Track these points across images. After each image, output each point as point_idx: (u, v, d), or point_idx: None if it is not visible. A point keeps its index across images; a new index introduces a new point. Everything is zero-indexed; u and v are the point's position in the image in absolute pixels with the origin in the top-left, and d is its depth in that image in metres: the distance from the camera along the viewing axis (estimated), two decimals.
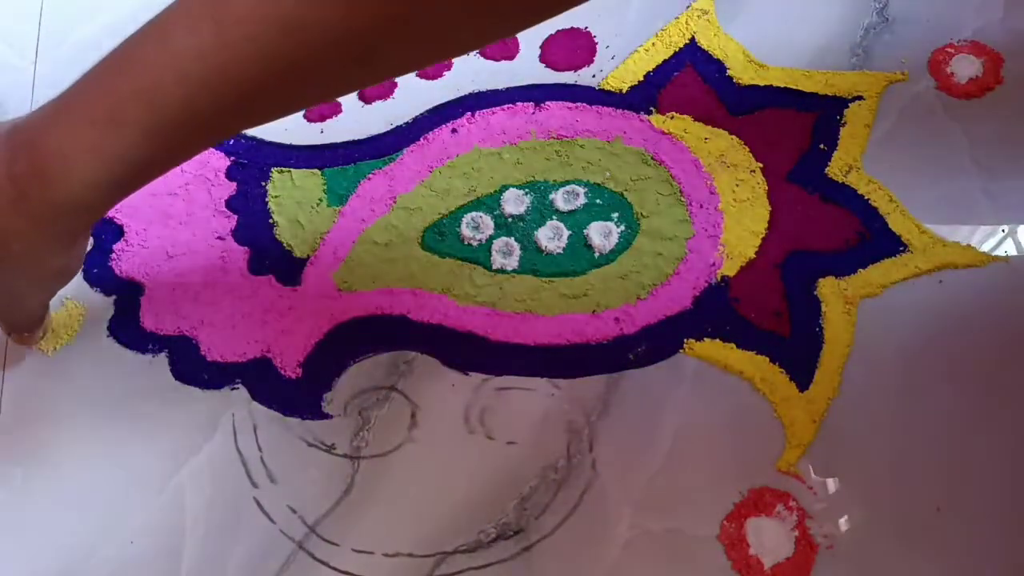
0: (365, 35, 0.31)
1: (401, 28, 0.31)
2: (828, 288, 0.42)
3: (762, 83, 0.48)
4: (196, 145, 0.35)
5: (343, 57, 0.32)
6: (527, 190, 0.46)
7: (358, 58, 0.32)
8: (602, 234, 0.44)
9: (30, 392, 0.43)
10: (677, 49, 0.50)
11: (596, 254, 0.44)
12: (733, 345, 0.41)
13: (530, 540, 0.38)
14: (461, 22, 0.31)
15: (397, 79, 0.51)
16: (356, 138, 0.49)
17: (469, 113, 0.49)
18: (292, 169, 0.48)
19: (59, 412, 0.43)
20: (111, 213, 0.47)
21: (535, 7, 0.32)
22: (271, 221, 0.46)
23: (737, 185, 0.45)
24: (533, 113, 0.48)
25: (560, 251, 0.44)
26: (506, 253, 0.44)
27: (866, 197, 0.44)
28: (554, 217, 0.45)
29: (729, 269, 0.43)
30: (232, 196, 0.47)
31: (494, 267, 0.44)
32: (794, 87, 0.48)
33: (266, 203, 0.47)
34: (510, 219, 0.45)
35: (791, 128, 0.47)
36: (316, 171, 0.48)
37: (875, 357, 0.41)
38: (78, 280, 0.46)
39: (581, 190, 0.45)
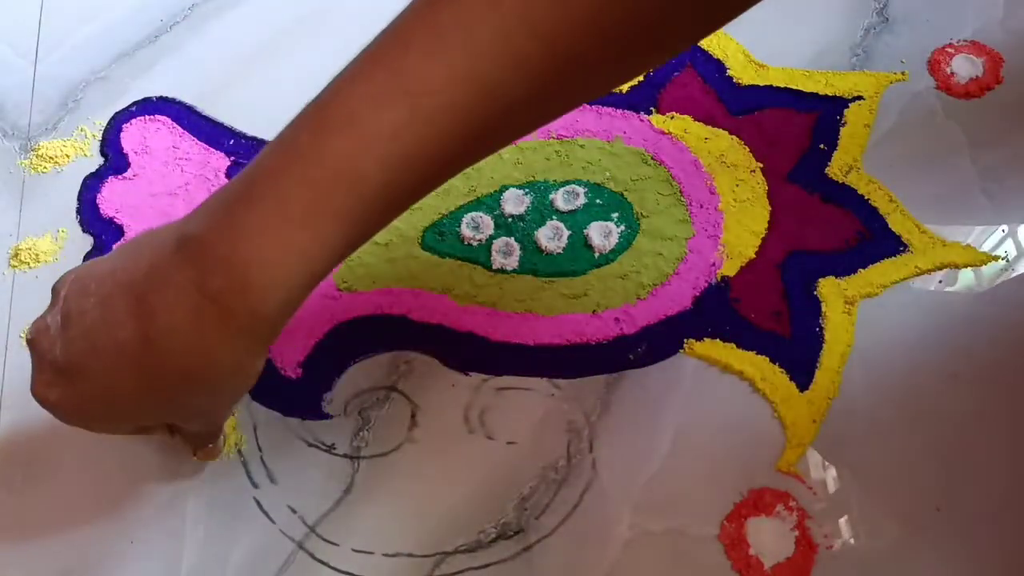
0: (559, 93, 0.30)
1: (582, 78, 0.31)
2: (828, 288, 0.42)
3: (762, 83, 0.48)
4: (392, 218, 0.32)
5: (538, 116, 0.31)
6: (527, 190, 0.46)
7: (544, 114, 0.32)
8: (602, 234, 0.44)
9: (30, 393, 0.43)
10: None
11: (596, 254, 0.44)
12: (733, 345, 0.41)
13: (530, 540, 0.38)
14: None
15: None
16: None
17: None
18: None
19: None
20: (111, 213, 0.47)
21: None
22: None
23: (737, 185, 0.45)
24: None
25: (560, 251, 0.44)
26: (506, 253, 0.44)
27: (866, 197, 0.44)
28: (554, 217, 0.45)
29: (729, 269, 0.43)
30: None
31: (494, 267, 0.44)
32: (794, 87, 0.48)
33: None
34: (510, 219, 0.45)
35: (791, 128, 0.47)
36: None
37: (875, 357, 0.41)
38: None
39: (581, 190, 0.45)
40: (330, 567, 0.38)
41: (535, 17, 0.28)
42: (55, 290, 0.34)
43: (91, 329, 0.32)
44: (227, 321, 0.30)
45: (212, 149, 0.49)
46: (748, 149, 0.46)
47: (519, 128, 0.32)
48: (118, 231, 0.47)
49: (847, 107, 0.47)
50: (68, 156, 0.50)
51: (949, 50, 0.48)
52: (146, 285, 0.31)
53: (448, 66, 0.28)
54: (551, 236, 0.44)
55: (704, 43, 0.50)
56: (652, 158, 0.46)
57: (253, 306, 0.30)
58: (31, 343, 0.34)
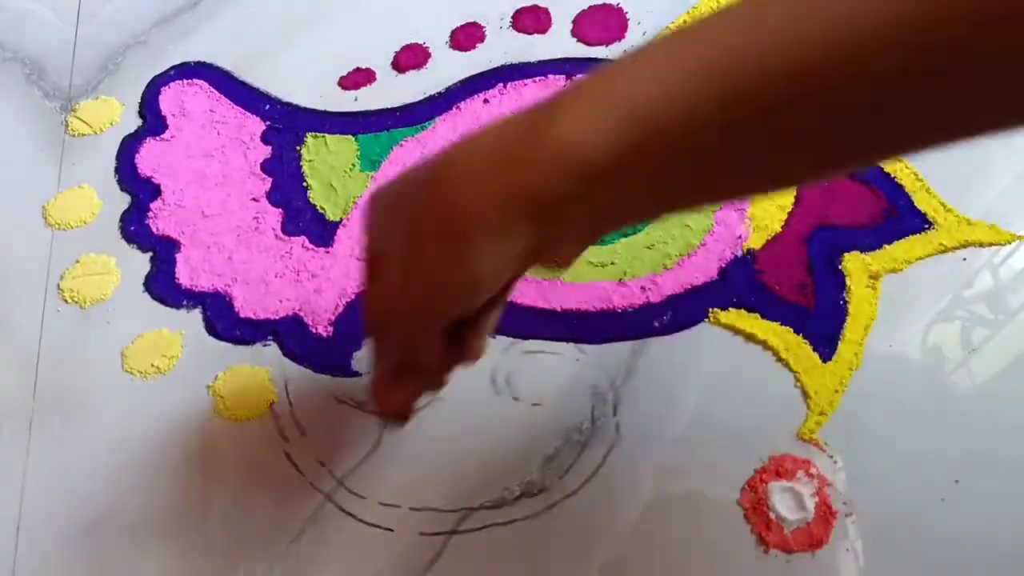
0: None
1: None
2: (853, 262, 0.43)
3: None
4: (674, 159, 0.27)
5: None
6: None
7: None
8: None
9: (68, 342, 0.45)
10: None
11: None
12: (758, 315, 0.42)
13: (553, 499, 0.39)
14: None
15: (430, 50, 0.52)
16: (390, 106, 0.50)
17: (501, 85, 0.49)
18: (326, 135, 0.49)
19: (96, 362, 0.44)
20: (149, 173, 0.48)
21: None
22: (305, 184, 0.47)
23: None
24: (564, 86, 0.49)
25: None
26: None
27: (892, 175, 0.45)
28: None
29: (755, 242, 0.44)
30: (267, 159, 0.48)
31: None
32: None
33: (300, 167, 0.48)
34: None
35: None
36: (350, 137, 0.49)
37: (898, 331, 0.41)
38: (115, 236, 0.47)
39: None
40: (357, 519, 0.39)
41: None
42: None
43: (430, 155, 0.31)
44: (504, 173, 0.28)
45: (248, 113, 0.50)
46: None
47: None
48: (155, 190, 0.48)
49: None
50: (107, 117, 0.51)
51: None
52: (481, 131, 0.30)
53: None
54: None
55: None
56: None
57: (538, 177, 0.28)
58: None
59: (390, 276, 0.32)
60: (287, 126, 0.49)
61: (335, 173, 0.48)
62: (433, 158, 0.30)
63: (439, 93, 0.50)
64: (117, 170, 0.49)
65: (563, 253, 0.31)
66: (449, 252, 0.30)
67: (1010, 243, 0.43)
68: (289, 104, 0.50)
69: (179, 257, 0.46)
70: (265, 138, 0.49)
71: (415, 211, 0.30)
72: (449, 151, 0.30)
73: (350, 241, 0.45)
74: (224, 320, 0.44)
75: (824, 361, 0.40)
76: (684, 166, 0.27)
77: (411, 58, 0.51)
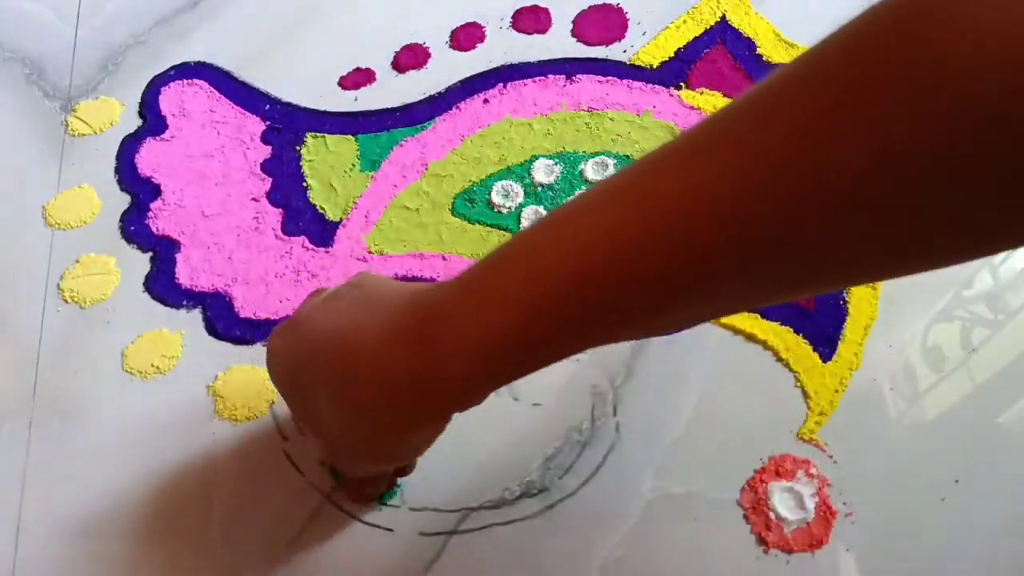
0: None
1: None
2: None
3: None
4: (577, 339, 0.29)
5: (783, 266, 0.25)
6: (557, 160, 0.46)
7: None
8: None
9: (68, 342, 0.44)
10: (708, 27, 0.50)
11: None
12: (758, 315, 0.42)
13: (553, 499, 0.39)
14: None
15: (430, 50, 0.52)
16: (390, 106, 0.50)
17: (501, 84, 0.49)
18: (326, 135, 0.49)
19: (96, 362, 0.44)
20: (149, 173, 0.48)
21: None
22: (305, 184, 0.47)
23: None
24: (564, 86, 0.49)
25: None
26: (536, 221, 0.45)
27: None
28: (583, 187, 0.46)
29: None
30: (267, 159, 0.48)
31: None
32: None
33: (300, 167, 0.48)
34: (540, 188, 0.46)
35: None
36: (350, 137, 0.49)
37: (898, 331, 0.41)
38: (115, 236, 0.47)
39: (611, 161, 0.46)
40: (357, 519, 0.39)
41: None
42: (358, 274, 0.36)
43: (334, 310, 0.33)
44: (386, 362, 0.30)
45: (248, 113, 0.50)
46: None
47: (733, 283, 0.26)
48: (155, 190, 0.48)
49: None
50: (107, 117, 0.51)
51: None
52: (382, 304, 0.31)
53: (689, 176, 0.25)
54: None
55: (735, 21, 0.50)
56: (681, 132, 0.47)
57: (416, 366, 0.30)
58: (307, 297, 0.36)
59: (337, 452, 0.36)
60: (287, 126, 0.49)
61: (335, 173, 0.48)
62: (343, 329, 0.32)
63: (439, 93, 0.50)
64: (117, 170, 0.49)
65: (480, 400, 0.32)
66: (366, 437, 0.33)
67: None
68: (289, 104, 0.50)
69: (179, 257, 0.46)
70: (265, 138, 0.49)
71: (315, 385, 0.32)
72: (357, 330, 0.31)
73: (350, 241, 0.45)
74: (224, 320, 0.44)
75: (824, 361, 0.40)
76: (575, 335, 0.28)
77: (411, 58, 0.51)
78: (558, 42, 0.51)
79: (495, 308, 0.28)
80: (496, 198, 0.46)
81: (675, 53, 0.50)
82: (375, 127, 0.49)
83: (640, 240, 0.26)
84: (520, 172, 0.46)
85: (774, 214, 0.24)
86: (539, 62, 0.50)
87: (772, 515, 0.38)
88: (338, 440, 0.34)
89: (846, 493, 0.38)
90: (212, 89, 0.51)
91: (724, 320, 0.42)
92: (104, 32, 0.54)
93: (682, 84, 0.48)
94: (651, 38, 0.50)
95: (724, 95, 0.48)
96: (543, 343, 0.29)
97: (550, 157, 0.47)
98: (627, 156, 0.46)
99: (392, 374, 0.30)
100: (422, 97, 0.50)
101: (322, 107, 0.50)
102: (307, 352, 0.32)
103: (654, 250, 0.25)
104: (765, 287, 0.26)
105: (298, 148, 0.49)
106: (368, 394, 0.31)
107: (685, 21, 0.51)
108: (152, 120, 0.50)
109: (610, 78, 0.49)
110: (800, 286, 0.27)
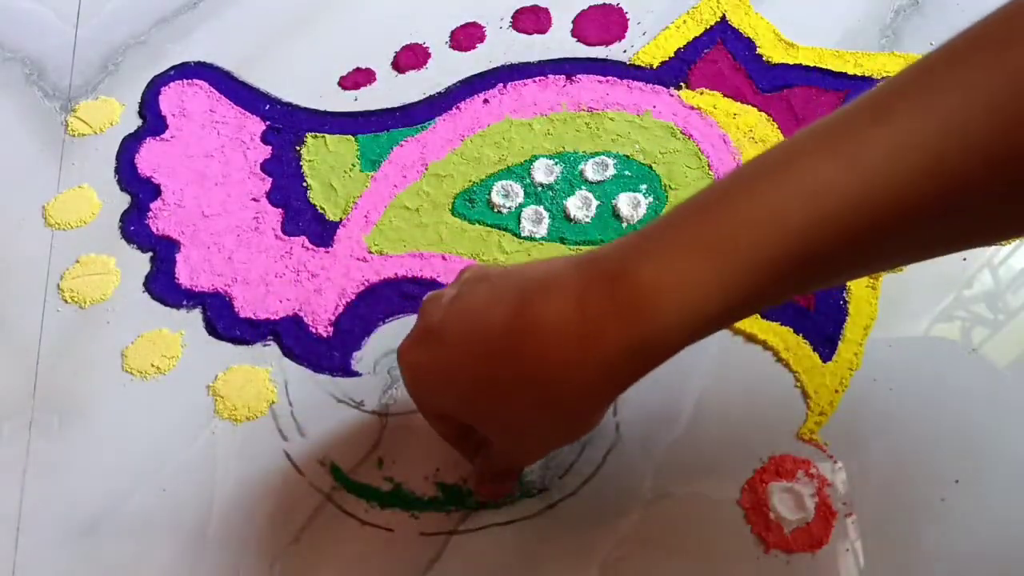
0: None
1: None
2: None
3: (791, 62, 0.49)
4: (788, 289, 0.28)
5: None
6: (557, 160, 0.46)
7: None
8: (630, 204, 0.45)
9: (68, 342, 0.45)
10: (708, 27, 0.50)
11: (624, 224, 0.44)
12: (758, 315, 0.42)
13: (553, 499, 0.39)
14: None
15: (430, 50, 0.52)
16: (389, 106, 0.50)
17: (501, 84, 0.49)
18: (326, 135, 0.49)
19: (96, 362, 0.44)
20: (148, 173, 0.48)
21: None
22: (305, 184, 0.47)
23: None
24: (564, 86, 0.49)
25: (589, 220, 0.45)
26: (536, 221, 0.45)
27: None
28: (583, 187, 0.46)
29: None
30: (267, 159, 0.48)
31: (523, 234, 0.45)
32: (823, 67, 0.48)
33: (300, 167, 0.48)
34: (540, 188, 0.46)
35: (819, 107, 0.47)
36: (350, 137, 0.49)
37: (898, 331, 0.41)
38: (115, 236, 0.47)
39: (611, 161, 0.46)
40: (357, 519, 0.39)
41: (996, 105, 0.25)
42: (460, 272, 0.35)
43: (471, 307, 0.31)
44: (588, 343, 0.28)
45: (248, 113, 0.50)
46: (776, 126, 0.47)
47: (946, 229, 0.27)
48: (155, 190, 0.48)
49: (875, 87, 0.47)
50: (107, 117, 0.51)
51: None
52: (534, 284, 0.30)
53: (907, 132, 0.26)
54: (580, 206, 0.45)
55: (735, 21, 0.50)
56: (681, 132, 0.47)
57: (626, 333, 0.28)
58: (422, 308, 0.34)
59: (506, 442, 0.34)
60: (287, 126, 0.49)
61: (335, 173, 0.48)
62: (509, 322, 0.30)
63: (439, 93, 0.50)
64: (117, 170, 0.49)
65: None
66: (566, 425, 0.32)
67: (1010, 243, 0.43)
68: (289, 104, 0.50)
69: (179, 257, 0.46)
70: (265, 138, 0.49)
71: (513, 392, 0.30)
72: (527, 318, 0.29)
73: (350, 241, 0.45)
74: (224, 320, 0.44)
75: (824, 361, 0.40)
76: (791, 290, 0.29)
77: (411, 58, 0.51)
78: (558, 42, 0.51)
79: (717, 254, 0.27)
80: (496, 198, 0.46)
81: (675, 53, 0.50)
82: (375, 127, 0.49)
83: (857, 202, 0.26)
84: (520, 172, 0.46)
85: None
86: (539, 62, 0.50)
87: (772, 515, 0.38)
88: (532, 432, 0.32)
89: (846, 493, 0.38)
90: (212, 89, 0.51)
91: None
92: (104, 32, 0.54)
93: (682, 84, 0.48)
94: (651, 38, 0.50)
95: (724, 95, 0.48)
96: (774, 284, 0.27)
97: (550, 157, 0.47)
98: (627, 156, 0.46)
99: (603, 350, 0.28)
100: (422, 97, 0.50)
101: (322, 107, 0.50)
102: (482, 357, 0.30)
103: (882, 204, 0.26)
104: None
105: (298, 148, 0.49)
106: (582, 378, 0.29)
107: (685, 21, 0.51)
108: (152, 120, 0.50)
109: (610, 78, 0.49)
110: None
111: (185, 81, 0.51)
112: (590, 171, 0.46)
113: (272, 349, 0.43)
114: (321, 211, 0.46)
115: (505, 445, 0.34)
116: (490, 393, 0.31)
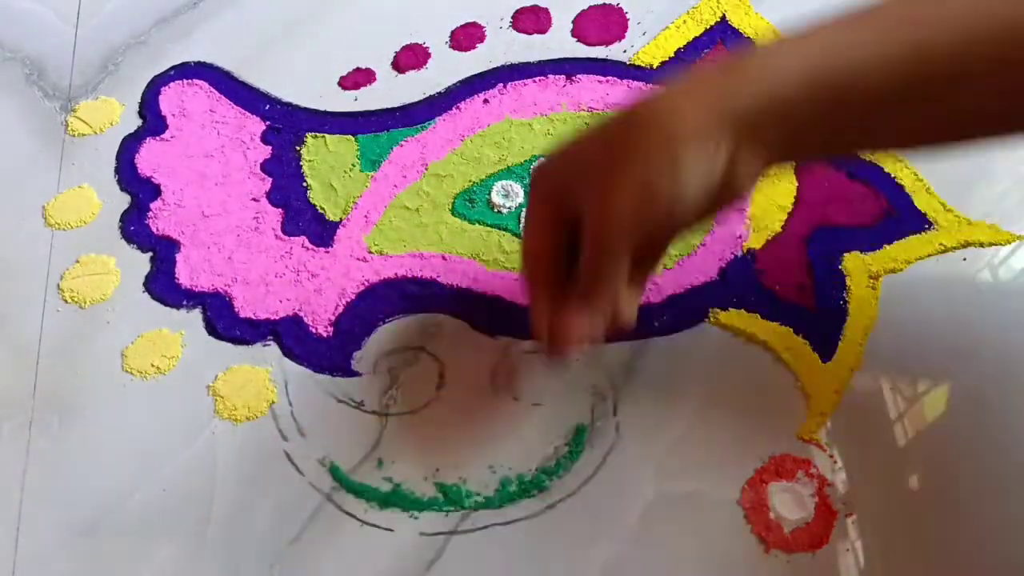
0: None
1: None
2: (853, 263, 0.43)
3: None
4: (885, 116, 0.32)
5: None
6: None
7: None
8: None
9: (68, 342, 0.44)
10: (708, 27, 0.50)
11: None
12: (758, 315, 0.42)
13: (553, 499, 0.39)
14: None
15: (430, 50, 0.52)
16: (390, 106, 0.50)
17: (501, 84, 0.49)
18: (326, 135, 0.49)
19: (96, 362, 0.44)
20: (149, 173, 0.48)
21: None
22: (305, 184, 0.47)
23: None
24: (564, 86, 0.49)
25: None
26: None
27: (892, 175, 0.45)
28: None
29: (755, 242, 0.44)
30: (267, 159, 0.48)
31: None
32: None
33: (300, 167, 0.48)
34: None
35: None
36: (350, 137, 0.49)
37: (898, 331, 0.41)
38: (115, 236, 0.47)
39: None
40: (357, 519, 0.39)
41: None
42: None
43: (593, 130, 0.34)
44: (710, 93, 0.32)
45: (248, 113, 0.50)
46: None
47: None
48: (155, 190, 0.48)
49: None
50: (107, 117, 0.51)
51: None
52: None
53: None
54: None
55: (735, 22, 0.50)
56: None
57: (741, 79, 0.32)
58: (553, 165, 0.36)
59: (595, 193, 0.33)
60: (287, 126, 0.49)
61: (335, 173, 0.48)
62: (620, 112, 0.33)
63: (439, 93, 0.50)
64: (117, 170, 0.49)
65: (744, 184, 0.33)
66: (660, 156, 0.31)
67: (1010, 243, 0.43)
68: (289, 104, 0.50)
69: (179, 257, 0.46)
70: (265, 138, 0.49)
71: (618, 132, 0.33)
72: (640, 100, 0.33)
73: (350, 241, 0.45)
74: (224, 320, 0.44)
75: (824, 361, 0.40)
76: (860, 113, 0.32)
77: (411, 58, 0.51)
78: (558, 42, 0.51)
79: (803, 57, 0.31)
80: (496, 198, 0.46)
81: (675, 53, 0.50)
82: (375, 127, 0.49)
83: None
84: (520, 172, 0.46)
85: None
86: (539, 62, 0.50)
87: (772, 515, 0.38)
88: (618, 178, 0.32)
89: (846, 493, 0.38)
90: (212, 89, 0.51)
91: (724, 320, 0.42)
92: (104, 32, 0.54)
93: None
94: (651, 38, 0.50)
95: None
96: (826, 112, 0.31)
97: None
98: None
99: (694, 89, 0.32)
100: (422, 97, 0.50)
101: (322, 107, 0.50)
102: (618, 127, 0.33)
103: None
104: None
105: (298, 148, 0.49)
106: (665, 97, 0.32)
107: (685, 21, 0.51)
108: (152, 120, 0.50)
109: (610, 78, 0.49)
110: None
111: (185, 81, 0.51)
112: None
113: (272, 349, 0.43)
114: (321, 211, 0.46)
115: (594, 193, 0.33)
116: (592, 146, 0.34)
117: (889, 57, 0.31)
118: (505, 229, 0.45)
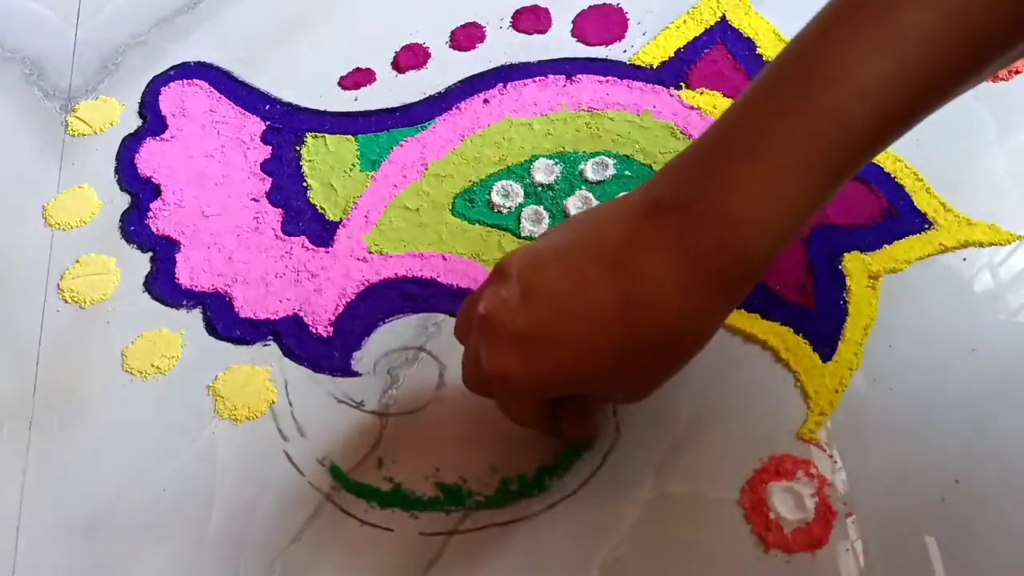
0: None
1: None
2: (853, 262, 0.43)
3: None
4: (858, 169, 0.31)
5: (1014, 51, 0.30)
6: (557, 160, 0.46)
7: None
8: None
9: (68, 342, 0.45)
10: (708, 27, 0.50)
11: None
12: (758, 315, 0.42)
13: (553, 499, 0.39)
14: None
15: (430, 50, 0.52)
16: (389, 106, 0.50)
17: (501, 84, 0.49)
18: (326, 135, 0.49)
19: (96, 362, 0.44)
20: (148, 173, 0.49)
21: None
22: (305, 184, 0.47)
23: None
24: (564, 86, 0.49)
25: None
26: (535, 221, 0.45)
27: (892, 175, 0.45)
28: (583, 187, 0.46)
29: None
30: (267, 159, 0.48)
31: (523, 234, 0.45)
32: None
33: (300, 167, 0.48)
34: (540, 188, 0.46)
35: None
36: (350, 137, 0.49)
37: (898, 331, 0.41)
38: (115, 236, 0.47)
39: (611, 161, 0.46)
40: (357, 519, 0.39)
41: None
42: (501, 269, 0.34)
43: (561, 297, 0.32)
44: (715, 281, 0.30)
45: (248, 113, 0.50)
46: None
47: (986, 71, 0.30)
48: (155, 190, 0.48)
49: None
50: (107, 117, 0.51)
51: None
52: (623, 252, 0.31)
53: (943, 14, 0.28)
54: (580, 206, 0.45)
55: (735, 21, 0.50)
56: (681, 132, 0.47)
57: (742, 263, 0.30)
58: (486, 318, 0.33)
59: (631, 391, 0.35)
60: (287, 126, 0.50)
61: (335, 173, 0.48)
62: (624, 298, 0.31)
63: (439, 93, 0.50)
64: (117, 170, 0.49)
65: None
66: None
67: (1010, 243, 0.43)
68: (289, 104, 0.50)
69: (179, 257, 0.46)
70: (265, 138, 0.49)
71: (653, 354, 0.33)
72: (642, 289, 0.31)
73: (350, 241, 0.45)
74: (224, 320, 0.44)
75: (824, 361, 0.40)
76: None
77: (411, 58, 0.51)
78: (558, 42, 0.51)
79: (800, 173, 0.29)
80: (496, 198, 0.46)
81: (675, 53, 0.50)
82: (375, 127, 0.49)
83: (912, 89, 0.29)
84: (520, 172, 0.46)
85: None
86: (539, 62, 0.50)
87: (772, 515, 0.37)
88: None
89: (846, 493, 0.38)
90: (212, 89, 0.51)
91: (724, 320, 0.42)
92: (104, 32, 0.54)
93: (682, 84, 0.48)
94: (651, 38, 0.50)
95: (724, 95, 0.48)
96: (843, 180, 0.30)
97: (550, 157, 0.47)
98: (627, 156, 0.46)
99: (721, 287, 0.31)
100: (422, 97, 0.50)
101: (322, 107, 0.50)
102: (616, 339, 0.31)
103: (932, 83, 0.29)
104: None
105: (298, 148, 0.49)
106: (711, 319, 0.32)
107: (685, 21, 0.51)
108: (152, 120, 0.50)
109: (610, 78, 0.49)
110: None
111: (185, 81, 0.51)
112: (590, 171, 0.46)
113: (272, 349, 0.43)
114: (321, 211, 0.46)
115: (629, 394, 0.35)
116: (635, 359, 0.32)
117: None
118: (505, 229, 0.45)
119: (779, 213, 0.30)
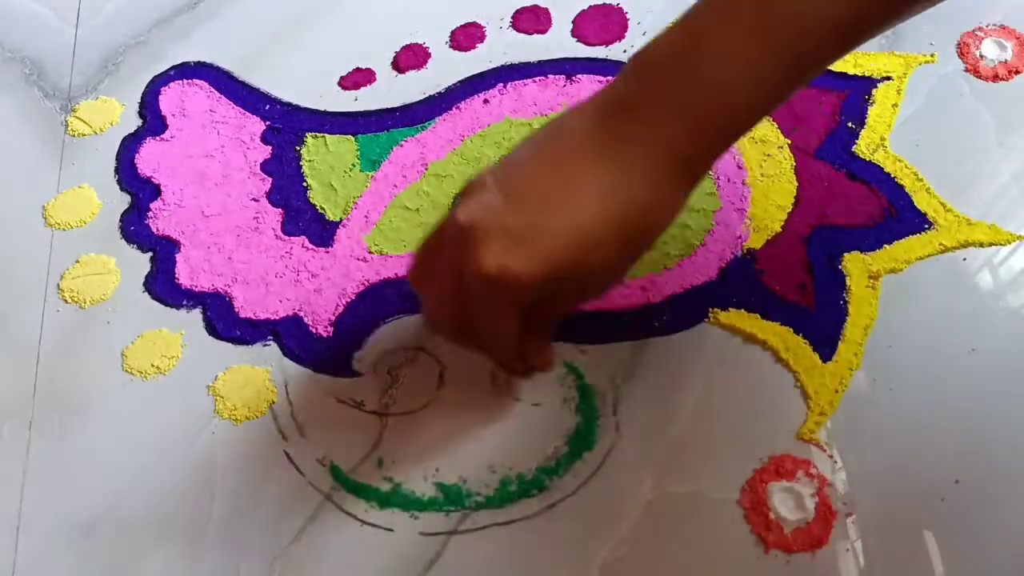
0: None
1: None
2: (853, 262, 0.43)
3: None
4: (809, 76, 0.34)
5: None
6: None
7: None
8: None
9: (68, 342, 0.45)
10: None
11: None
12: (758, 315, 0.42)
13: (553, 499, 0.39)
14: None
15: (430, 50, 0.52)
16: (389, 106, 0.50)
17: (501, 84, 0.49)
18: (326, 135, 0.49)
19: (96, 362, 0.44)
20: (148, 173, 0.49)
21: None
22: (305, 184, 0.47)
23: (765, 160, 0.46)
24: (564, 86, 0.49)
25: None
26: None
27: (892, 175, 0.45)
28: None
29: (755, 242, 0.43)
30: (267, 159, 0.48)
31: None
32: None
33: (300, 167, 0.48)
34: None
35: (819, 106, 0.47)
36: (350, 137, 0.49)
37: (898, 331, 0.41)
38: (115, 236, 0.47)
39: None
40: (357, 519, 0.39)
41: None
42: (472, 186, 0.35)
43: (544, 190, 0.33)
44: (690, 168, 0.34)
45: (248, 113, 0.50)
46: (776, 126, 0.47)
47: None
48: (155, 190, 0.48)
49: (875, 87, 0.47)
50: (107, 117, 0.51)
51: (978, 33, 0.48)
52: (597, 141, 0.33)
53: None
54: None
55: None
56: None
57: (702, 137, 0.33)
58: (471, 226, 0.34)
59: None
60: (287, 126, 0.50)
61: (335, 173, 0.48)
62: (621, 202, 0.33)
63: (439, 93, 0.50)
64: (117, 170, 0.49)
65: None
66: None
67: (1010, 243, 0.43)
68: (289, 104, 0.50)
69: (179, 257, 0.46)
70: (265, 138, 0.49)
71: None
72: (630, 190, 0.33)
73: (350, 241, 0.45)
74: (224, 320, 0.44)
75: (824, 361, 0.40)
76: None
77: (411, 58, 0.51)
78: (558, 42, 0.51)
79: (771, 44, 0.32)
80: None
81: None
82: (375, 127, 0.49)
83: None
84: None
85: None
86: (539, 62, 0.50)
87: (772, 515, 0.37)
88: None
89: (846, 493, 0.38)
90: (212, 89, 0.51)
91: (724, 320, 0.42)
92: (104, 32, 0.54)
93: None
94: (651, 38, 0.50)
95: None
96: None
97: None
98: None
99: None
100: (422, 97, 0.50)
101: (322, 107, 0.50)
102: (594, 228, 0.33)
103: None
104: None
105: (298, 148, 0.49)
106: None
107: None
108: (152, 120, 0.50)
109: (610, 78, 0.49)
110: None
111: (185, 81, 0.51)
112: None
113: (272, 349, 0.43)
114: (321, 211, 0.46)
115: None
116: (618, 237, 0.34)
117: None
118: None
119: (749, 79, 0.32)
